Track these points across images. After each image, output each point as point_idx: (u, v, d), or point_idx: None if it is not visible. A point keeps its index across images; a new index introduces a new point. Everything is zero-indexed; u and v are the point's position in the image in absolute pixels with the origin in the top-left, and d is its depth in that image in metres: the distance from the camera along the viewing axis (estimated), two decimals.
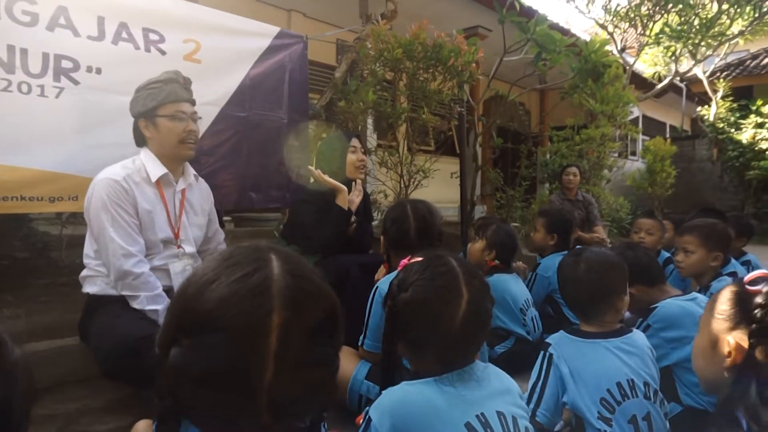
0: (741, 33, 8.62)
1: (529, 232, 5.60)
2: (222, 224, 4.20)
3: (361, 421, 0.96)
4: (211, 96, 2.76)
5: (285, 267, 0.65)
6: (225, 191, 2.91)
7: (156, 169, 1.94)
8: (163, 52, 2.62)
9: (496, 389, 1.04)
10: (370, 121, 4.07)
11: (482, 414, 0.96)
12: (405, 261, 1.13)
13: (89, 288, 1.88)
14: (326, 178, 2.42)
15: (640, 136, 10.67)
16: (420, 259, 1.10)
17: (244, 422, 0.62)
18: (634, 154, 10.52)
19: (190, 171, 2.13)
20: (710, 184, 10.39)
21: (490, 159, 5.86)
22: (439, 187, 5.54)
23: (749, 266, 3.10)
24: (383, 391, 0.99)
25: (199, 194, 2.17)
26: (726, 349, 1.00)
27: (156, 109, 1.92)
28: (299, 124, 3.13)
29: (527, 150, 5.66)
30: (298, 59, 3.18)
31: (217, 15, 2.87)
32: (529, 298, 2.57)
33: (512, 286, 2.51)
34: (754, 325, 0.96)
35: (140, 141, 2.00)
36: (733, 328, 1.01)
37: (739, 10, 7.92)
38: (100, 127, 2.36)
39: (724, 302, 1.04)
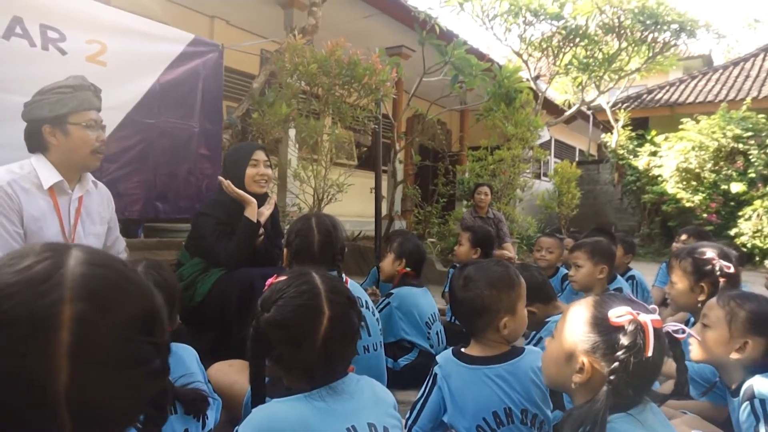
0: (637, 69, 9.60)
1: (445, 248, 5.83)
2: (138, 235, 3.99)
3: None
4: (115, 100, 2.65)
5: (84, 257, 0.57)
6: (128, 200, 2.79)
7: (49, 176, 1.82)
8: (63, 52, 2.49)
9: (369, 401, 1.05)
10: (292, 133, 4.06)
11: (353, 426, 0.97)
12: (271, 280, 1.13)
13: None
14: (236, 189, 2.39)
15: (552, 159, 11.44)
16: (284, 277, 1.09)
17: None
18: (546, 175, 11.23)
19: (89, 177, 2.01)
20: (612, 206, 11.31)
21: (411, 175, 6.02)
22: (360, 202, 5.61)
23: (633, 280, 3.42)
24: (253, 409, 0.98)
25: (99, 201, 2.06)
26: (577, 366, 1.02)
27: (67, 116, 1.81)
28: (212, 134, 3.07)
29: (444, 168, 5.89)
30: (212, 67, 3.13)
31: (125, 17, 2.77)
32: (435, 313, 2.65)
33: (420, 300, 2.56)
34: (616, 364, 0.96)
35: (35, 147, 1.85)
36: (589, 352, 1.01)
37: (636, 48, 8.83)
38: None
39: (586, 324, 1.03)
